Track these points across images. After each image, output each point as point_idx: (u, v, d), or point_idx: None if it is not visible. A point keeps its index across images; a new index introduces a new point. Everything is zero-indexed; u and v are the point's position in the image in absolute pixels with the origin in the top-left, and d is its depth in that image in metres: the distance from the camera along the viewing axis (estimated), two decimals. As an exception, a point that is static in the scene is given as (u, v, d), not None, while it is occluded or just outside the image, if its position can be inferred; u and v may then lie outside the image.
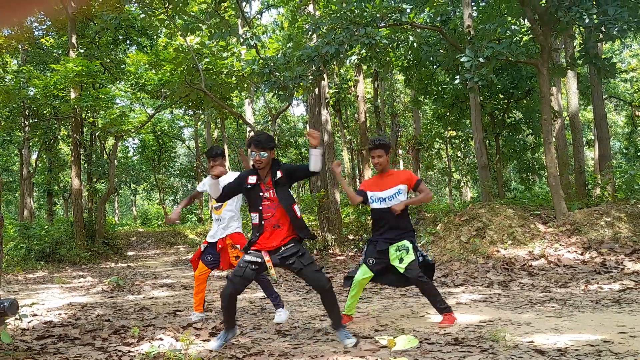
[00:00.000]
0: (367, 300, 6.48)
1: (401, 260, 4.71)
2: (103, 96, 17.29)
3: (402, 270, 4.69)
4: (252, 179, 4.20)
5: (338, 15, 10.14)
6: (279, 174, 4.15)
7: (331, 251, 12.49)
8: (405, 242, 4.76)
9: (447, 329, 4.43)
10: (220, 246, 5.46)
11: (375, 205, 4.92)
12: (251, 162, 4.22)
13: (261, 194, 4.18)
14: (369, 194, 4.96)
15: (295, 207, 4.20)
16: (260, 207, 4.16)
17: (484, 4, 14.85)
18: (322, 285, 4.04)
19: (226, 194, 4.33)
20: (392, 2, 10.58)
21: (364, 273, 4.88)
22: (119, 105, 20.27)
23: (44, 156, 24.82)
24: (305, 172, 4.20)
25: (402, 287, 5.20)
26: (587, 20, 8.69)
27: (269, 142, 4.19)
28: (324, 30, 10.60)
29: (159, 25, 16.29)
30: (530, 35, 12.02)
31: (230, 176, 5.21)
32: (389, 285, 5.19)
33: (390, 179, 4.91)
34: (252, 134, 17.39)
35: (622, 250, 8.06)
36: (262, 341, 4.38)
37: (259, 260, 4.07)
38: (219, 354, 3.91)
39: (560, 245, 8.58)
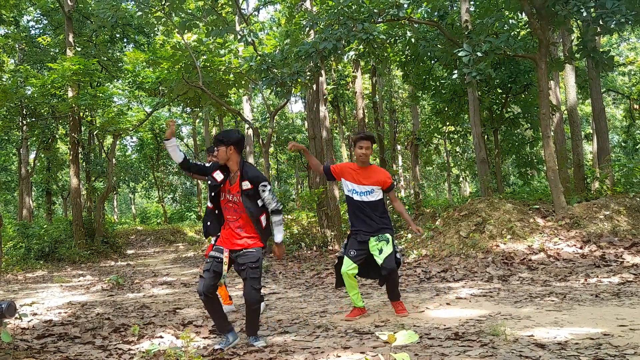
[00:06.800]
0: (367, 296, 6.48)
1: (380, 251, 4.84)
2: (101, 95, 17.26)
3: (380, 261, 4.82)
4: (218, 176, 4.12)
5: (335, 11, 10.11)
6: (248, 185, 4.06)
7: (330, 247, 12.49)
8: (387, 235, 4.92)
9: (447, 324, 4.44)
10: None
11: (356, 197, 5.01)
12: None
13: (225, 195, 4.13)
14: (347, 183, 5.04)
15: (262, 217, 4.11)
16: (223, 207, 4.15)
17: (481, -2, 14.81)
18: (250, 301, 4.02)
19: (193, 170, 4.30)
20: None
21: (347, 265, 4.95)
22: (116, 103, 20.23)
23: (42, 155, 24.77)
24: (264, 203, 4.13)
25: (376, 279, 5.29)
26: (584, 14, 8.67)
27: (228, 137, 4.07)
28: (321, 26, 10.57)
29: (156, 23, 16.26)
30: (528, 29, 11.99)
31: None
32: (373, 279, 5.32)
33: (369, 175, 5.00)
34: (250, 131, 17.38)
35: (621, 243, 8.06)
36: (262, 338, 4.38)
37: (221, 256, 4.06)
38: (219, 352, 3.91)
39: (560, 239, 8.58)
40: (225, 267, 4.03)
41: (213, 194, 4.13)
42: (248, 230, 4.10)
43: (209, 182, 4.15)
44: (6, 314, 3.22)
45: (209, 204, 4.19)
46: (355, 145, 5.02)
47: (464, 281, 7.31)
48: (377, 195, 5.00)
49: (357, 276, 5.12)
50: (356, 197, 5.00)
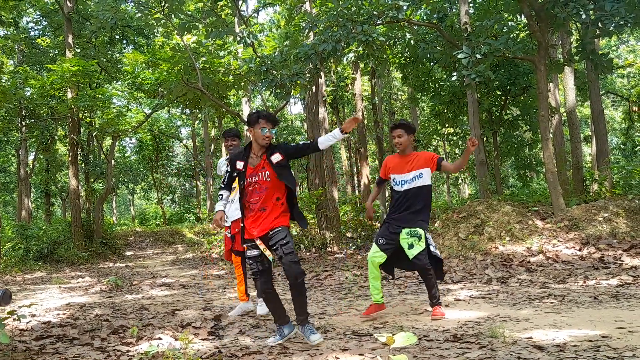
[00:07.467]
0: (365, 298, 6.48)
1: (411, 246, 4.78)
2: (100, 96, 17.27)
3: (410, 257, 4.79)
4: (239, 165, 4.20)
5: (335, 12, 10.13)
6: (278, 157, 4.12)
7: (329, 249, 12.49)
8: (419, 230, 4.83)
9: (446, 326, 4.44)
10: (236, 229, 5.49)
11: (397, 188, 5.00)
12: (261, 139, 4.14)
13: (247, 179, 4.18)
14: (392, 176, 5.05)
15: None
16: (246, 193, 4.20)
17: (480, 0, 14.84)
18: (293, 275, 4.03)
19: (231, 184, 4.44)
20: (389, -1, 10.57)
21: (374, 251, 4.95)
22: (116, 105, 20.26)
23: (41, 156, 24.77)
24: (304, 150, 4.25)
25: (409, 270, 5.26)
26: (583, 16, 8.69)
27: (277, 119, 4.27)
28: (320, 28, 10.58)
29: (155, 24, 16.26)
30: (527, 32, 12.02)
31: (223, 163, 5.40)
32: (400, 269, 5.28)
33: (413, 161, 4.96)
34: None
35: (620, 245, 8.07)
36: (261, 339, 4.38)
37: (257, 252, 4.13)
38: (218, 353, 3.90)
39: (559, 241, 8.58)
40: (267, 253, 4.12)
41: (241, 181, 4.21)
42: (270, 209, 4.14)
43: (235, 173, 4.27)
44: (1, 302, 3.20)
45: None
46: (392, 137, 5.05)
47: (463, 283, 7.31)
48: (425, 179, 4.89)
49: (387, 264, 5.12)
50: (397, 188, 4.98)
